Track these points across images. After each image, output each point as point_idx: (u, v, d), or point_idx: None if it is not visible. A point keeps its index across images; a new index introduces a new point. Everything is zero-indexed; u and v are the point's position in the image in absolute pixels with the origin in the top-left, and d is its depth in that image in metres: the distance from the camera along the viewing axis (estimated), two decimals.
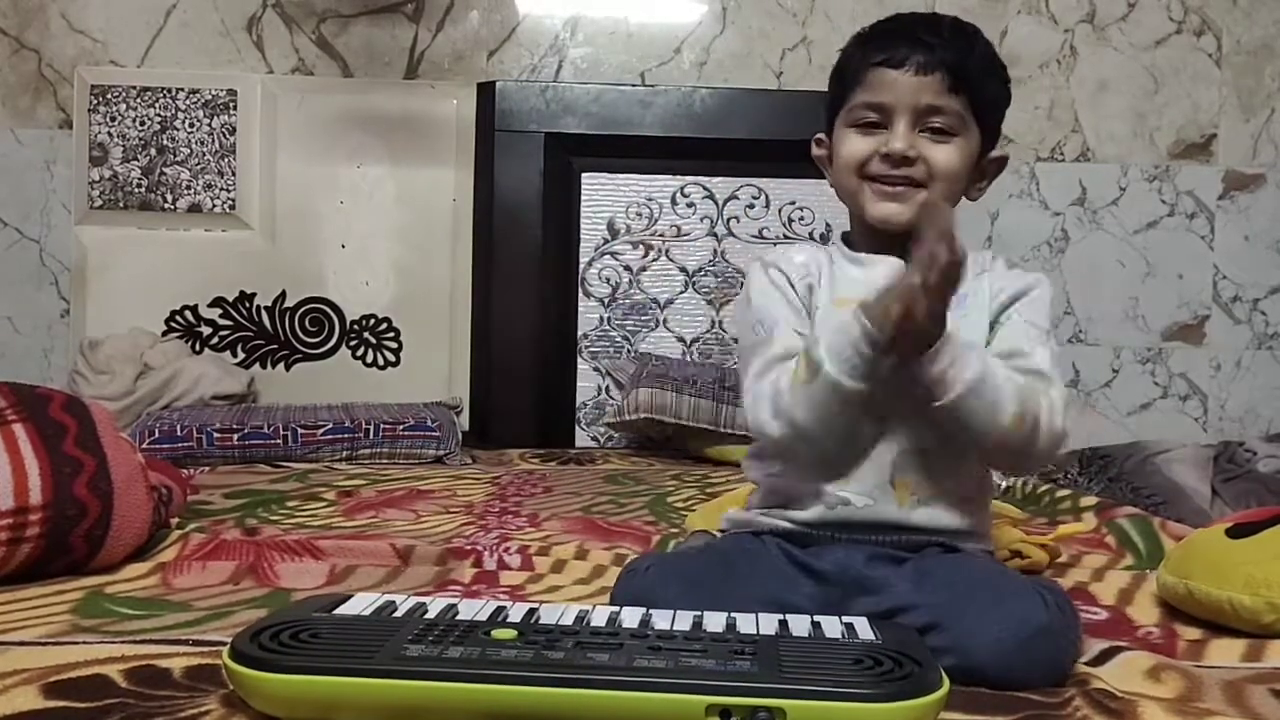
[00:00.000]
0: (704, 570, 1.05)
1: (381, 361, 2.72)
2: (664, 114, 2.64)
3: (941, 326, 0.95)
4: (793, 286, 1.09)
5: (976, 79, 1.08)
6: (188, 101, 2.64)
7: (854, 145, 1.09)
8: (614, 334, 2.70)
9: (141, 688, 0.86)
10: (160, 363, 2.48)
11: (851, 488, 1.05)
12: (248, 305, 2.68)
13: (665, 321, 2.70)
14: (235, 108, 2.65)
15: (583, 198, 2.69)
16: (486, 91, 2.65)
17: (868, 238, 1.12)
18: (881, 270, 1.05)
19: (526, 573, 1.32)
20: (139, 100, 2.64)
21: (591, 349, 2.70)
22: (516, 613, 0.90)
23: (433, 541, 1.43)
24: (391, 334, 2.72)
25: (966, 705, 0.84)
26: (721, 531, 1.16)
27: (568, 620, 0.88)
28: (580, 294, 2.69)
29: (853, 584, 1.01)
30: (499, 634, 0.83)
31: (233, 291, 2.67)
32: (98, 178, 2.63)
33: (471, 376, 2.70)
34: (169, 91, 2.64)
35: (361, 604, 0.91)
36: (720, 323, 2.70)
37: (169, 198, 2.65)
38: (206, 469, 2.09)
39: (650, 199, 2.69)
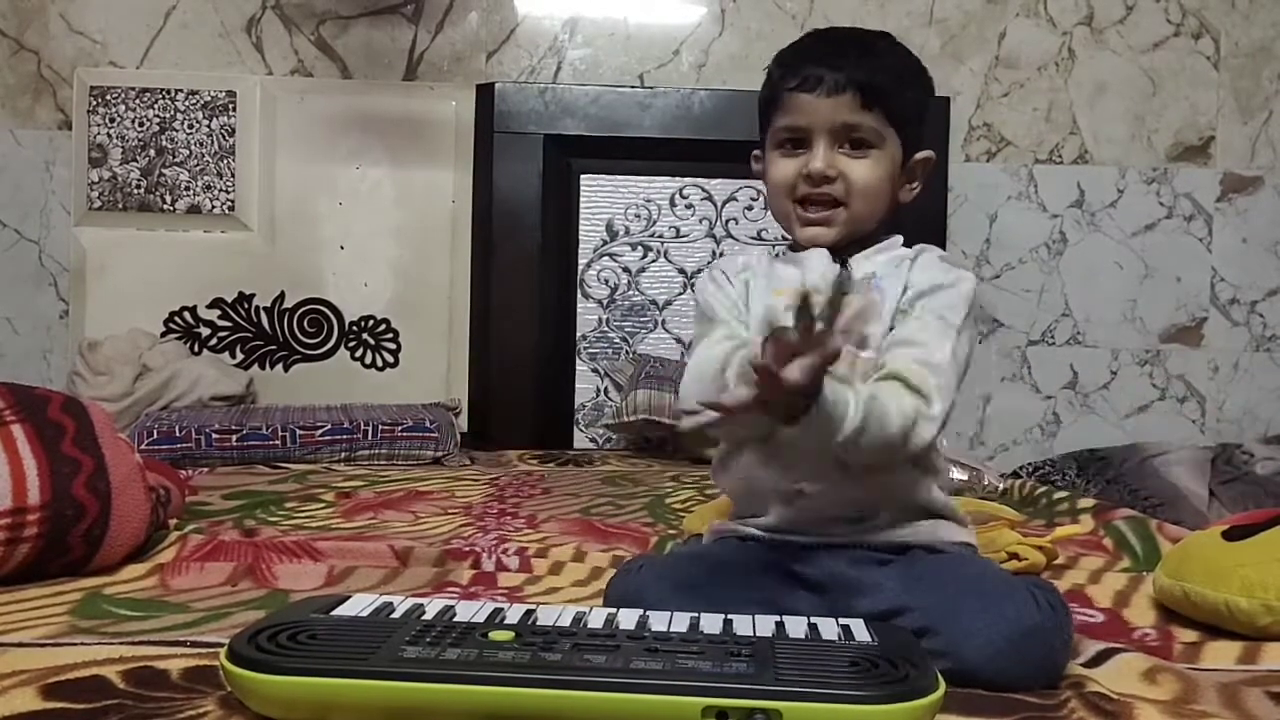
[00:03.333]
0: (696, 571, 1.06)
1: (380, 363, 2.72)
2: (663, 115, 2.64)
3: (813, 397, 0.91)
4: (731, 283, 1.15)
5: (888, 92, 1.11)
6: (187, 103, 2.65)
7: (780, 169, 1.14)
8: (613, 335, 2.70)
9: (139, 689, 0.86)
10: (159, 364, 2.48)
11: (800, 476, 1.05)
12: (246, 306, 2.68)
13: (664, 323, 2.70)
14: (234, 109, 2.66)
15: (581, 199, 2.69)
16: (485, 93, 2.66)
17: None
18: (812, 263, 1.11)
19: (524, 574, 1.32)
20: (138, 101, 2.64)
21: (590, 350, 2.70)
22: (514, 614, 0.90)
23: (431, 543, 1.43)
24: (390, 335, 2.72)
25: (962, 708, 0.85)
26: (711, 539, 1.16)
27: (565, 622, 0.88)
28: (579, 295, 2.69)
29: (844, 588, 1.02)
30: (496, 635, 0.83)
31: (231, 292, 2.67)
32: (97, 179, 2.64)
33: (470, 377, 2.70)
34: (168, 93, 2.64)
35: (359, 605, 0.91)
36: None
37: (168, 199, 2.65)
38: (205, 470, 2.09)
39: (649, 200, 2.70)
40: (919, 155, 1.16)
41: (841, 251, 1.14)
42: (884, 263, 1.12)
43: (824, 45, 1.15)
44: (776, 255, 1.20)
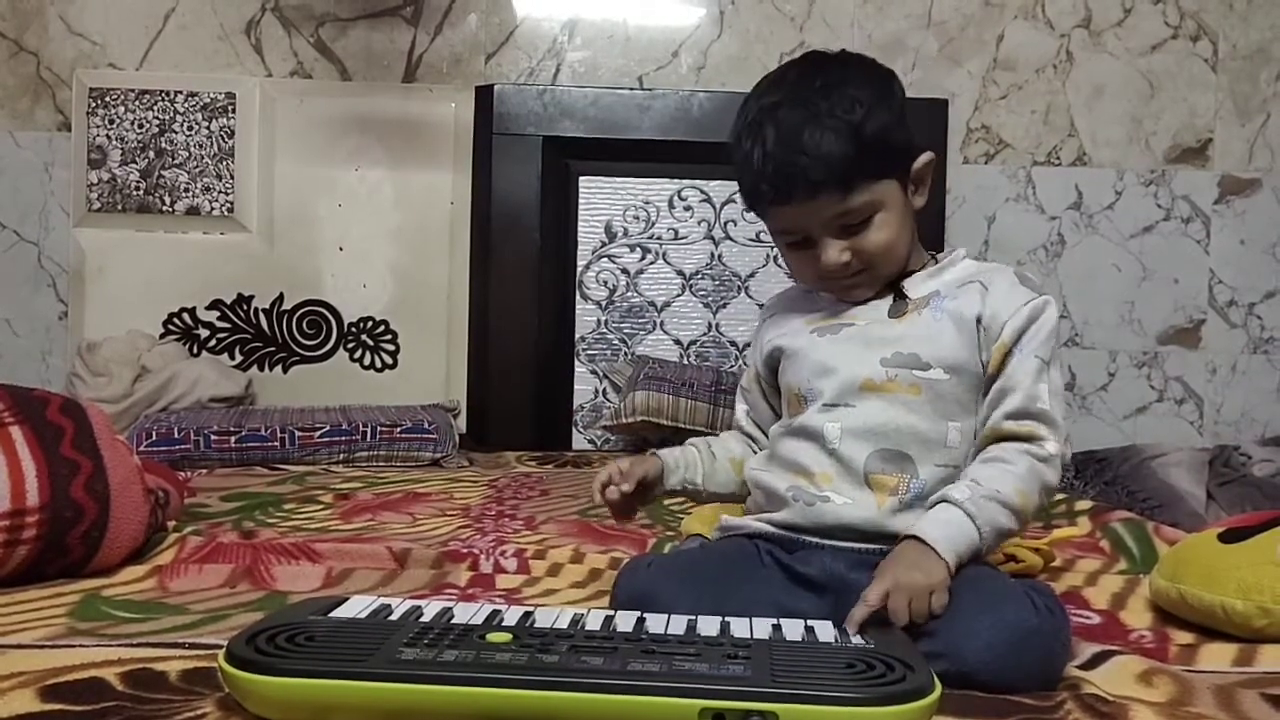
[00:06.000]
0: (704, 568, 1.07)
1: (379, 364, 2.72)
2: (661, 117, 2.65)
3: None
4: (755, 336, 1.24)
5: (859, 161, 1.05)
6: (186, 104, 2.65)
7: (798, 265, 1.15)
8: (611, 337, 2.70)
9: (138, 691, 0.86)
10: (158, 365, 2.48)
11: (830, 487, 1.06)
12: (245, 307, 2.68)
13: (662, 324, 2.71)
14: (234, 111, 2.66)
15: (580, 201, 2.69)
16: (484, 95, 2.66)
17: None
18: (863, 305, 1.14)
19: (522, 576, 1.32)
20: (137, 103, 2.64)
21: (589, 352, 2.70)
22: (512, 616, 0.91)
23: (429, 544, 1.43)
24: (389, 336, 2.73)
25: (959, 709, 0.85)
26: (718, 535, 1.17)
27: (563, 624, 0.88)
28: (578, 297, 2.69)
29: (843, 589, 1.02)
30: (494, 637, 0.83)
31: (230, 294, 2.68)
32: (96, 180, 2.64)
33: (469, 379, 2.71)
34: (167, 94, 2.65)
35: (357, 607, 0.92)
36: (717, 326, 2.71)
37: (167, 200, 2.66)
38: (204, 471, 2.10)
39: (647, 202, 2.70)
40: (918, 164, 1.13)
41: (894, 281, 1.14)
42: (950, 282, 1.12)
43: (779, 136, 1.06)
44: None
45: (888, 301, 1.13)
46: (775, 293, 1.28)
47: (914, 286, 1.13)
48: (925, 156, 1.13)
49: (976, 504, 1.00)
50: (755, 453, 1.21)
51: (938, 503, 1.02)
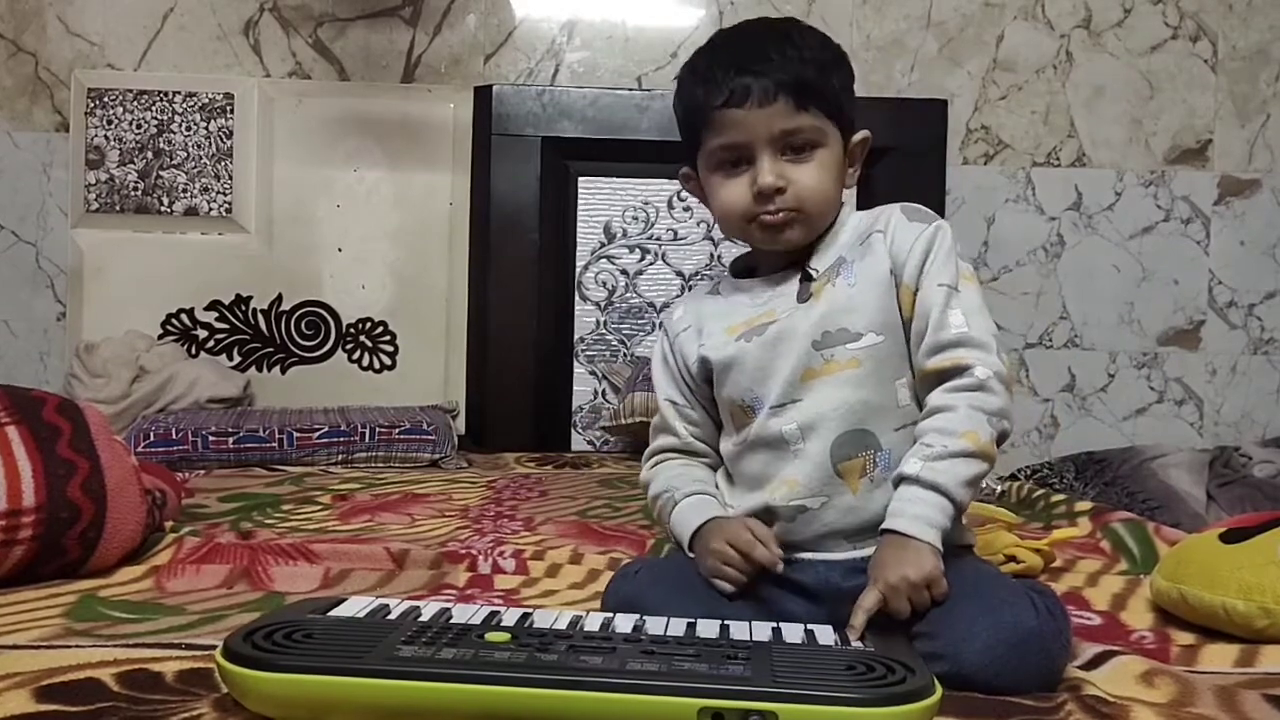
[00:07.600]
0: (694, 574, 1.05)
1: (378, 365, 2.72)
2: (660, 118, 2.64)
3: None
4: (672, 352, 1.18)
5: (818, 87, 1.07)
6: (184, 105, 2.64)
7: (728, 193, 1.10)
8: (610, 338, 2.70)
9: (134, 692, 0.86)
10: (156, 366, 2.48)
11: (799, 493, 1.05)
12: (244, 308, 2.68)
13: (661, 325, 2.70)
14: (232, 111, 2.65)
15: (579, 202, 2.69)
16: (483, 95, 2.66)
17: (766, 258, 1.14)
18: (757, 291, 1.12)
19: (521, 577, 1.32)
20: (136, 103, 2.64)
21: (588, 353, 2.70)
22: (510, 617, 0.90)
23: (427, 545, 1.43)
24: (388, 337, 2.72)
25: (959, 711, 0.84)
26: None
27: (561, 625, 0.88)
28: (577, 298, 2.69)
29: (837, 597, 1.01)
30: (492, 637, 0.83)
31: (229, 295, 2.67)
32: (94, 181, 2.63)
33: (468, 380, 2.70)
34: (166, 95, 2.64)
35: (355, 606, 0.91)
36: None
37: (165, 201, 2.65)
38: (202, 472, 2.09)
39: (647, 203, 2.70)
40: (856, 138, 1.13)
41: (795, 256, 1.11)
42: (848, 243, 1.10)
43: (741, 50, 1.09)
44: (719, 284, 1.17)
45: (794, 284, 1.10)
46: (675, 304, 1.24)
47: (818, 259, 1.10)
48: (863, 133, 1.13)
49: (933, 470, 0.98)
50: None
51: (898, 482, 1.00)
